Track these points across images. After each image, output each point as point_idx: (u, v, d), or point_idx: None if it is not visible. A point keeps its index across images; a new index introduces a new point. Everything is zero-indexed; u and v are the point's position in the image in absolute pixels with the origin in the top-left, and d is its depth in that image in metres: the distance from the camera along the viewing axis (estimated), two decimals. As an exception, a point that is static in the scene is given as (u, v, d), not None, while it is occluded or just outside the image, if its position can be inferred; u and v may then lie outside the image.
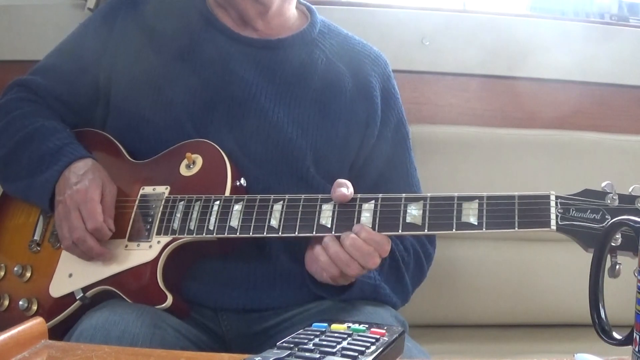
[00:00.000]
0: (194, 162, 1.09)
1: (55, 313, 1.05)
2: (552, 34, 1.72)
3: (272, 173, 1.12)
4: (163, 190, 1.09)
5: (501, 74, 1.73)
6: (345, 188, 0.99)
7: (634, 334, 0.66)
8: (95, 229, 1.03)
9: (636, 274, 0.67)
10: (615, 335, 0.70)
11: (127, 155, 1.15)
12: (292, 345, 0.62)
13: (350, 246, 0.96)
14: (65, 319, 1.05)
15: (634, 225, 0.68)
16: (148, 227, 1.06)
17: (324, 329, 0.68)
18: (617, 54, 1.72)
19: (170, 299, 1.01)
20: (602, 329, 0.70)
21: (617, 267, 0.77)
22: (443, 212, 0.95)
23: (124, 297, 1.02)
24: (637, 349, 0.65)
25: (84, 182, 1.05)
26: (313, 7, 1.28)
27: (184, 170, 1.10)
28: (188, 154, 1.08)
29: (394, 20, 1.70)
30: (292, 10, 1.24)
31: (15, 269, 1.11)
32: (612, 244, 0.85)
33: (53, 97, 1.21)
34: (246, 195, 1.04)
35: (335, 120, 1.16)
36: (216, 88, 1.14)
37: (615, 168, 1.63)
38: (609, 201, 0.90)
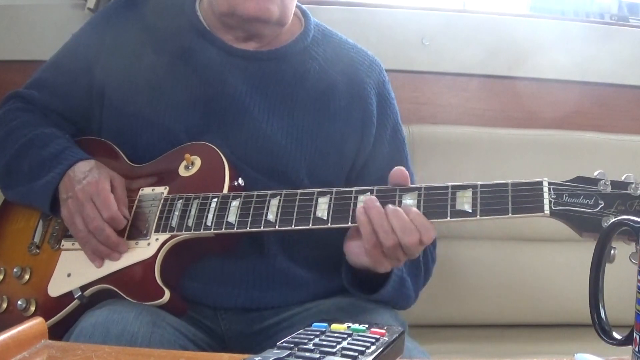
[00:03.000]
0: (192, 163, 1.10)
1: (53, 312, 1.05)
2: (552, 34, 1.72)
3: (267, 181, 1.11)
4: (162, 190, 1.10)
5: (501, 74, 1.73)
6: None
7: (634, 334, 0.66)
8: (111, 217, 1.03)
9: (631, 259, 0.66)
10: (615, 335, 0.70)
11: (126, 159, 1.16)
12: (292, 345, 0.62)
13: (392, 215, 0.93)
14: (64, 319, 1.05)
15: (634, 226, 0.68)
16: (146, 225, 1.07)
17: (324, 329, 0.67)
18: (617, 54, 1.72)
19: (167, 294, 1.01)
20: (602, 329, 0.70)
21: (613, 252, 0.77)
22: (437, 200, 0.95)
23: (122, 294, 1.03)
24: (637, 349, 0.65)
25: (92, 175, 1.07)
26: (308, 10, 1.26)
27: (182, 171, 1.10)
28: (187, 155, 1.09)
29: (394, 20, 1.70)
30: None
31: (15, 270, 1.11)
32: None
33: (49, 110, 1.22)
34: (244, 192, 1.05)
35: (330, 130, 1.15)
36: (209, 100, 1.13)
37: (615, 168, 1.60)
38: (601, 187, 0.90)
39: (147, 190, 1.11)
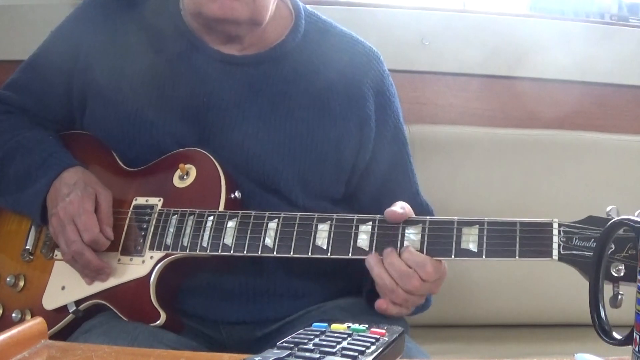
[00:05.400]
0: (187, 173, 1.05)
1: (48, 326, 1.02)
2: (552, 34, 1.72)
3: (263, 193, 1.08)
4: (156, 202, 1.05)
5: (501, 74, 1.73)
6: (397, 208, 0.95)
7: (634, 334, 0.66)
8: (92, 240, 0.99)
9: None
10: (615, 335, 0.70)
11: (119, 161, 1.11)
12: (292, 345, 0.62)
13: (388, 265, 0.93)
14: (60, 330, 1.03)
15: (634, 225, 0.68)
16: (141, 241, 1.03)
17: (324, 329, 0.67)
18: (617, 54, 1.72)
19: (163, 317, 0.98)
20: (602, 329, 0.70)
21: (620, 297, 0.76)
22: (442, 237, 0.93)
23: (117, 312, 1.00)
24: (637, 349, 0.65)
25: (76, 192, 1.02)
26: (300, 4, 1.19)
27: (177, 182, 1.06)
28: (181, 165, 1.05)
29: (394, 20, 1.70)
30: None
31: (8, 279, 1.08)
32: (615, 275, 0.83)
33: (29, 112, 1.17)
34: (240, 212, 1.01)
35: (326, 136, 1.10)
36: (198, 111, 1.08)
37: (615, 168, 1.62)
38: None
39: (140, 201, 1.07)
